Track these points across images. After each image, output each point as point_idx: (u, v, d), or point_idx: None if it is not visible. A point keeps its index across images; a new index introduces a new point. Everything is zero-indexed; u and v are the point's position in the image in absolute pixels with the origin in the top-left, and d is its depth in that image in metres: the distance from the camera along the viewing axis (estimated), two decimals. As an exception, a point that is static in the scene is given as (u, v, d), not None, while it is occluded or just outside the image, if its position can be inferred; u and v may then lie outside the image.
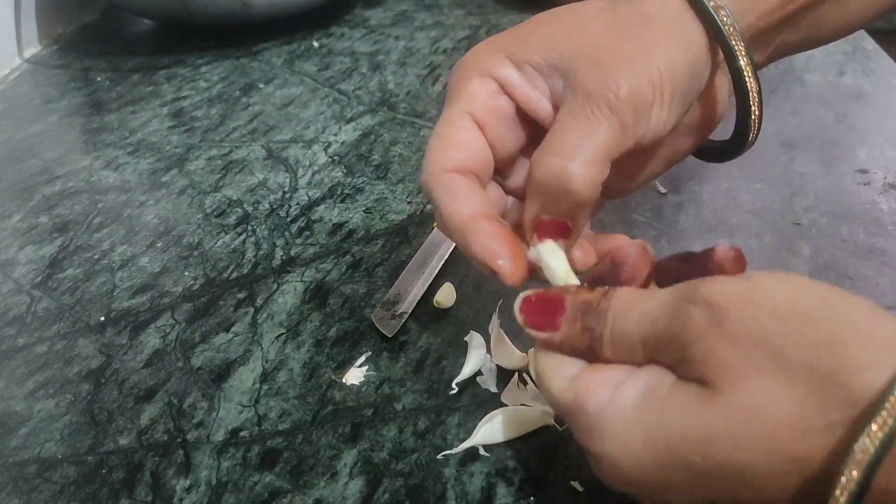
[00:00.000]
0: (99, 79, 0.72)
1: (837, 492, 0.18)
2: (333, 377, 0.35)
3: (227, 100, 0.65)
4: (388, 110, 0.61)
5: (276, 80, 0.68)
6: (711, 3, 0.26)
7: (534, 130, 0.29)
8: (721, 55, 0.27)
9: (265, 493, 0.29)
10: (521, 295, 0.26)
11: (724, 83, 0.29)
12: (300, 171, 0.52)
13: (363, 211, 0.47)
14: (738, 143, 0.30)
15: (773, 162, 0.49)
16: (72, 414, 0.34)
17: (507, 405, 0.32)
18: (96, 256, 0.45)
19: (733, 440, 0.20)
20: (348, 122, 0.59)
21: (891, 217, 0.43)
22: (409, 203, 0.48)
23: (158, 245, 0.46)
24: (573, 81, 0.26)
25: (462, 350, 0.35)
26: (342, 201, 0.49)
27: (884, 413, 0.18)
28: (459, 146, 0.28)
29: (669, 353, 0.22)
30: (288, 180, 0.51)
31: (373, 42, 0.76)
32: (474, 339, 0.35)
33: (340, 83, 0.66)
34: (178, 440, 0.32)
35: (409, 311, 0.38)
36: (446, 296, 0.38)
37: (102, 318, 0.40)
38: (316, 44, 0.76)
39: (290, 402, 0.34)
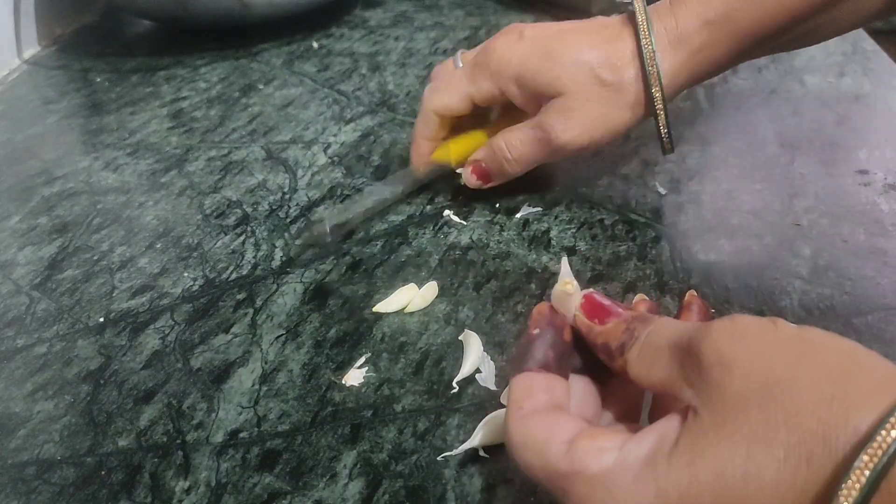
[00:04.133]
0: (98, 80, 0.72)
1: None
2: (333, 378, 0.35)
3: (226, 101, 0.65)
4: (387, 111, 0.61)
5: (275, 81, 0.68)
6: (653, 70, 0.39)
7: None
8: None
9: (265, 495, 0.29)
10: (588, 292, 0.27)
11: None
12: (300, 172, 0.52)
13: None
14: None
15: (774, 163, 0.49)
16: (71, 415, 0.34)
17: (506, 406, 0.32)
18: (95, 257, 0.45)
19: (742, 474, 0.19)
20: (348, 122, 0.59)
21: (891, 218, 0.43)
22: (408, 204, 0.48)
23: (158, 246, 0.45)
24: (547, 108, 0.42)
25: (462, 351, 0.35)
26: (342, 202, 0.48)
27: (874, 445, 0.18)
28: (447, 107, 0.44)
29: (687, 365, 0.22)
30: (287, 181, 0.51)
31: (372, 43, 0.76)
32: (470, 338, 0.35)
33: (340, 84, 0.66)
34: (178, 441, 0.32)
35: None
36: (423, 297, 0.39)
37: (102, 320, 0.40)
38: (315, 44, 0.76)
39: (289, 403, 0.34)
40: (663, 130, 0.41)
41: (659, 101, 0.40)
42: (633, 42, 0.40)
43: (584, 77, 0.40)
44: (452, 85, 0.44)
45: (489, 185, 0.46)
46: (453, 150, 0.46)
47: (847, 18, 0.38)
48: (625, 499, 0.21)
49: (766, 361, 0.20)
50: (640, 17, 0.39)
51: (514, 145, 0.43)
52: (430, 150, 0.46)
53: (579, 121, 0.41)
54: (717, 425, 0.20)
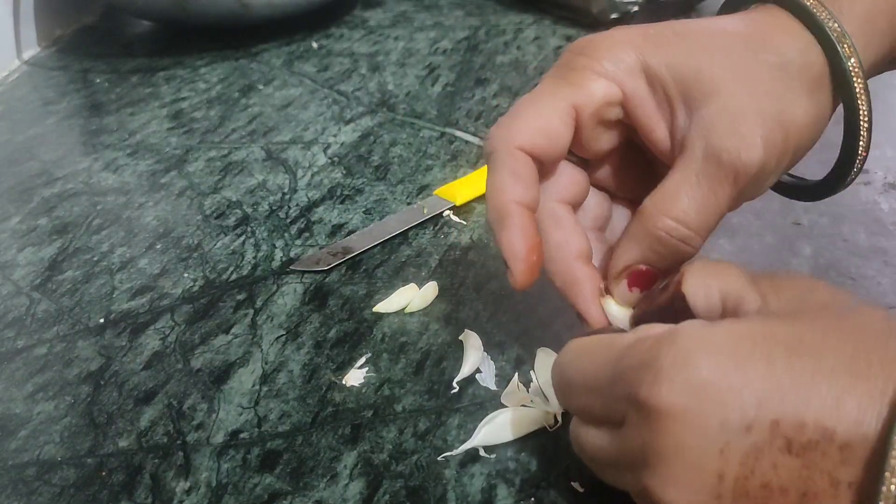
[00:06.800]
0: (98, 80, 0.72)
1: None
2: (333, 379, 0.35)
3: (226, 101, 0.65)
4: (387, 111, 0.61)
5: (275, 82, 0.68)
6: (851, 62, 0.26)
7: (628, 133, 0.29)
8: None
9: (265, 495, 0.29)
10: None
11: None
12: (299, 173, 0.52)
13: (363, 212, 0.47)
14: (833, 185, 0.31)
15: (773, 162, 0.49)
16: (71, 416, 0.34)
17: (507, 406, 0.32)
18: (95, 258, 0.45)
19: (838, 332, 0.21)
20: (347, 123, 0.59)
21: (891, 217, 0.43)
22: (408, 204, 0.48)
23: (158, 247, 0.45)
24: (702, 126, 0.26)
25: (462, 351, 0.35)
26: (342, 202, 0.49)
27: None
28: (544, 132, 0.27)
29: (764, 281, 0.24)
30: (287, 181, 0.51)
31: (372, 43, 0.76)
32: (470, 338, 0.35)
33: (340, 84, 0.66)
34: (178, 442, 0.32)
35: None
36: (423, 297, 0.39)
37: (102, 320, 0.40)
38: (315, 45, 0.76)
39: (289, 403, 0.34)
40: (863, 120, 0.28)
41: (855, 68, 0.27)
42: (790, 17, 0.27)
43: (738, 59, 0.26)
44: (542, 98, 0.28)
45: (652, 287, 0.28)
46: (460, 192, 0.43)
47: None
48: (729, 347, 0.20)
49: (832, 295, 0.23)
50: None
51: (686, 208, 0.26)
52: (533, 230, 0.27)
53: (754, 126, 0.25)
54: (809, 315, 0.22)
